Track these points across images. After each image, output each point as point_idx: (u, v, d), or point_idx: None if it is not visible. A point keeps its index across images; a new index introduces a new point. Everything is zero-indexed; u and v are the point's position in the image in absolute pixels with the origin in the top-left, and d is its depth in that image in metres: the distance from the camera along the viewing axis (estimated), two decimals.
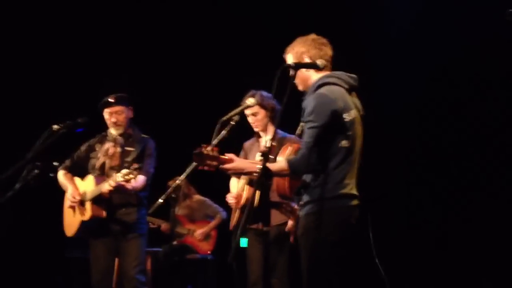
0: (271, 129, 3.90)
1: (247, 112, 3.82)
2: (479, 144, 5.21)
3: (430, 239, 5.37)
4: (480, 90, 5.20)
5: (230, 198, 3.91)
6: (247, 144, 4.07)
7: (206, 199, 6.26)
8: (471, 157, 5.29)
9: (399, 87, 5.44)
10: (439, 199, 5.45)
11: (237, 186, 3.95)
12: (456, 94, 5.31)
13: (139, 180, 3.94)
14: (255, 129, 3.94)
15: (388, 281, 2.81)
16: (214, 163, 2.84)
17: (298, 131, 3.07)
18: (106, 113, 4.13)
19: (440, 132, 5.45)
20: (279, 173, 2.76)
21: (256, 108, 3.82)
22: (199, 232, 6.09)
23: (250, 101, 3.62)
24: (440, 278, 5.26)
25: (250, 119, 3.90)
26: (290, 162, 2.76)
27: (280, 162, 2.82)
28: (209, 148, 2.79)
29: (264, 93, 3.87)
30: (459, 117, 5.33)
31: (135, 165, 3.77)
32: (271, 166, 2.72)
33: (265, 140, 3.95)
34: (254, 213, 3.44)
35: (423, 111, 5.50)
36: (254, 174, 2.90)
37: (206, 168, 2.87)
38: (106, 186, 3.84)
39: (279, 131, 3.85)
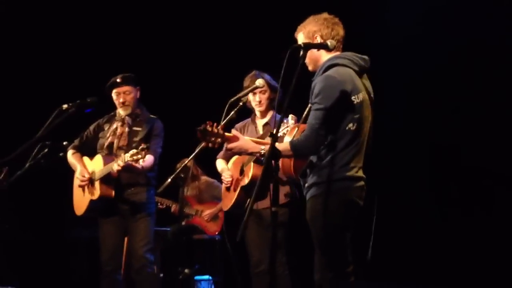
0: (270, 112, 3.89)
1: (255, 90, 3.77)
2: (479, 137, 5.21)
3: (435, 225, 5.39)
4: (480, 88, 5.18)
5: (227, 177, 3.86)
6: (239, 125, 4.01)
7: (214, 180, 6.28)
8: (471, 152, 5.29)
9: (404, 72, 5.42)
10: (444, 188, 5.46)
11: (225, 166, 3.93)
12: (459, 87, 5.29)
13: (148, 159, 3.95)
14: (259, 108, 3.88)
15: (369, 264, 2.84)
16: (218, 140, 2.85)
17: (306, 112, 3.06)
18: (114, 93, 4.14)
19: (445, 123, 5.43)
20: (283, 154, 2.76)
21: (265, 87, 3.80)
22: (207, 213, 6.13)
23: (259, 82, 3.62)
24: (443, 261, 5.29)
25: (257, 97, 3.85)
26: (292, 144, 2.76)
27: (285, 143, 2.82)
28: (214, 125, 2.80)
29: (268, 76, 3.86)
30: (461, 111, 5.32)
31: (143, 145, 3.78)
32: (277, 146, 2.72)
33: (262, 122, 3.93)
34: (261, 193, 3.45)
35: (429, 102, 5.47)
36: (257, 154, 2.90)
37: (210, 145, 2.88)
38: (115, 166, 3.85)
39: (276, 114, 3.84)
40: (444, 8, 5.18)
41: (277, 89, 3.69)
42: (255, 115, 3.98)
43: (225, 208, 3.89)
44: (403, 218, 5.35)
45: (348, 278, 2.77)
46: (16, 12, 6.06)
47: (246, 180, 3.70)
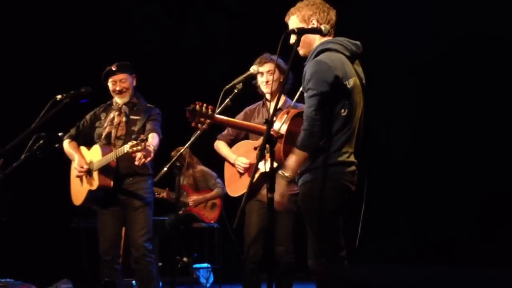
0: (282, 97, 3.76)
1: (262, 69, 3.69)
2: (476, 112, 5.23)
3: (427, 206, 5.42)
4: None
5: (244, 164, 3.70)
6: (249, 108, 3.91)
7: (208, 170, 6.28)
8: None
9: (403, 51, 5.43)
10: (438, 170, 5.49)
11: (230, 152, 3.81)
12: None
13: (154, 138, 3.93)
14: (267, 89, 3.75)
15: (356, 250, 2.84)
16: (207, 121, 2.83)
17: (297, 96, 3.05)
18: (110, 82, 4.12)
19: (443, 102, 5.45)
20: (300, 161, 2.69)
21: (272, 69, 3.67)
22: (193, 198, 6.13)
23: (253, 68, 3.56)
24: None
25: (265, 77, 3.73)
26: (298, 146, 2.68)
27: (295, 153, 2.71)
28: (203, 106, 2.78)
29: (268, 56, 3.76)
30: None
31: (143, 136, 3.76)
32: (290, 162, 2.68)
33: (273, 105, 3.77)
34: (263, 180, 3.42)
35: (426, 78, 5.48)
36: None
37: (199, 126, 2.86)
38: (113, 156, 3.84)
39: (288, 99, 3.79)
40: None
41: (285, 71, 3.61)
42: (266, 99, 3.86)
43: (235, 194, 3.73)
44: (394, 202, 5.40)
45: (341, 262, 2.78)
46: (9, 3, 6.02)
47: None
